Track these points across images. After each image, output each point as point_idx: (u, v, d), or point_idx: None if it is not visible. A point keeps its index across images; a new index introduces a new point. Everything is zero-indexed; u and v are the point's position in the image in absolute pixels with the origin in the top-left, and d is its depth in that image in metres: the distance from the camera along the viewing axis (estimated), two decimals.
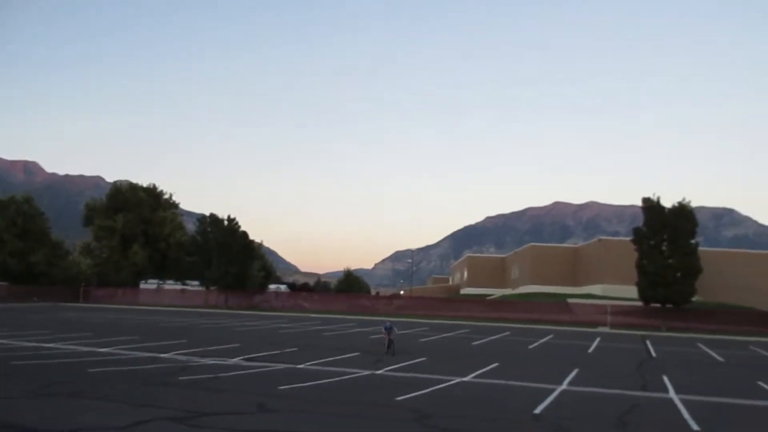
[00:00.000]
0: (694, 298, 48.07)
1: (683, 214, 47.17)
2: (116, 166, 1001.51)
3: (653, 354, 26.51)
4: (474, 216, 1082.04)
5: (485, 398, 13.37)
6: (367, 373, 16.50)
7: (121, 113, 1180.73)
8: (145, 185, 77.97)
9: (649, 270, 46.51)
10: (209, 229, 65.99)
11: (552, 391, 14.35)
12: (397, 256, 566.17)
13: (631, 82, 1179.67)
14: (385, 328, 21.96)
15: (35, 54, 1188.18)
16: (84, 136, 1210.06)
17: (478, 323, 46.79)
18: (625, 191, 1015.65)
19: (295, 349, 22.41)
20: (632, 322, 47.60)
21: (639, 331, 42.88)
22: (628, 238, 52.42)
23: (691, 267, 46.04)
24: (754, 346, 33.53)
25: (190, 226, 79.70)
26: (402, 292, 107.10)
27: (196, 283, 68.13)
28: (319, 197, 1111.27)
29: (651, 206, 48.31)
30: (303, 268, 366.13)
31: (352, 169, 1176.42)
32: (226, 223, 65.29)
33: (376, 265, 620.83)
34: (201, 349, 20.97)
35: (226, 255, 62.21)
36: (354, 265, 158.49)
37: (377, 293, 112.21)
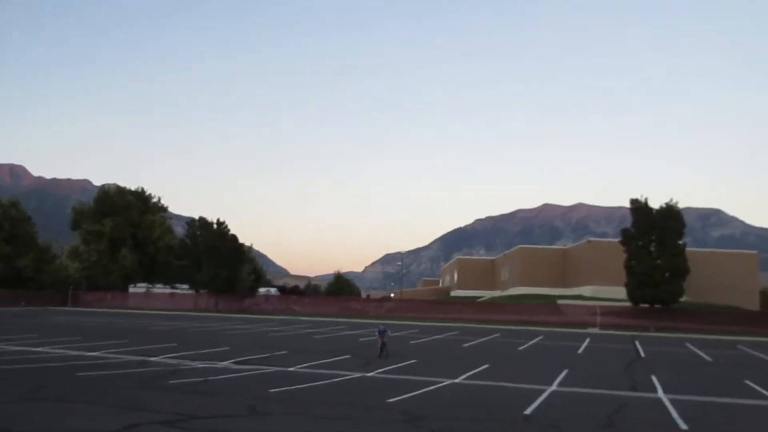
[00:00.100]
0: (682, 299, 48.50)
1: (671, 214, 47.55)
2: (103, 170, 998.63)
3: (642, 354, 26.68)
4: (464, 218, 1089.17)
5: (476, 400, 13.42)
6: (358, 375, 16.52)
7: (108, 116, 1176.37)
8: (133, 189, 77.72)
9: (637, 271, 46.86)
10: (198, 233, 65.84)
11: (542, 392, 14.42)
12: (387, 259, 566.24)
13: (620, 84, 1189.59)
14: (379, 332, 21.94)
15: (22, 57, 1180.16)
16: (71, 139, 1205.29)
17: (468, 325, 46.88)
18: (613, 193, 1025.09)
19: (286, 352, 22.38)
20: (621, 322, 47.86)
21: (628, 332, 43.11)
22: (616, 240, 52.68)
23: (679, 267, 46.43)
24: (742, 346, 33.80)
25: (179, 230, 79.52)
26: (392, 295, 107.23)
27: (185, 286, 67.89)
28: (308, 201, 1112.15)
29: (639, 207, 48.65)
30: (293, 272, 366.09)
31: (341, 173, 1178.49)
32: (215, 226, 65.20)
33: (366, 267, 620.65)
34: (191, 352, 20.87)
35: (215, 258, 62.07)
36: (344, 268, 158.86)
37: (368, 296, 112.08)
